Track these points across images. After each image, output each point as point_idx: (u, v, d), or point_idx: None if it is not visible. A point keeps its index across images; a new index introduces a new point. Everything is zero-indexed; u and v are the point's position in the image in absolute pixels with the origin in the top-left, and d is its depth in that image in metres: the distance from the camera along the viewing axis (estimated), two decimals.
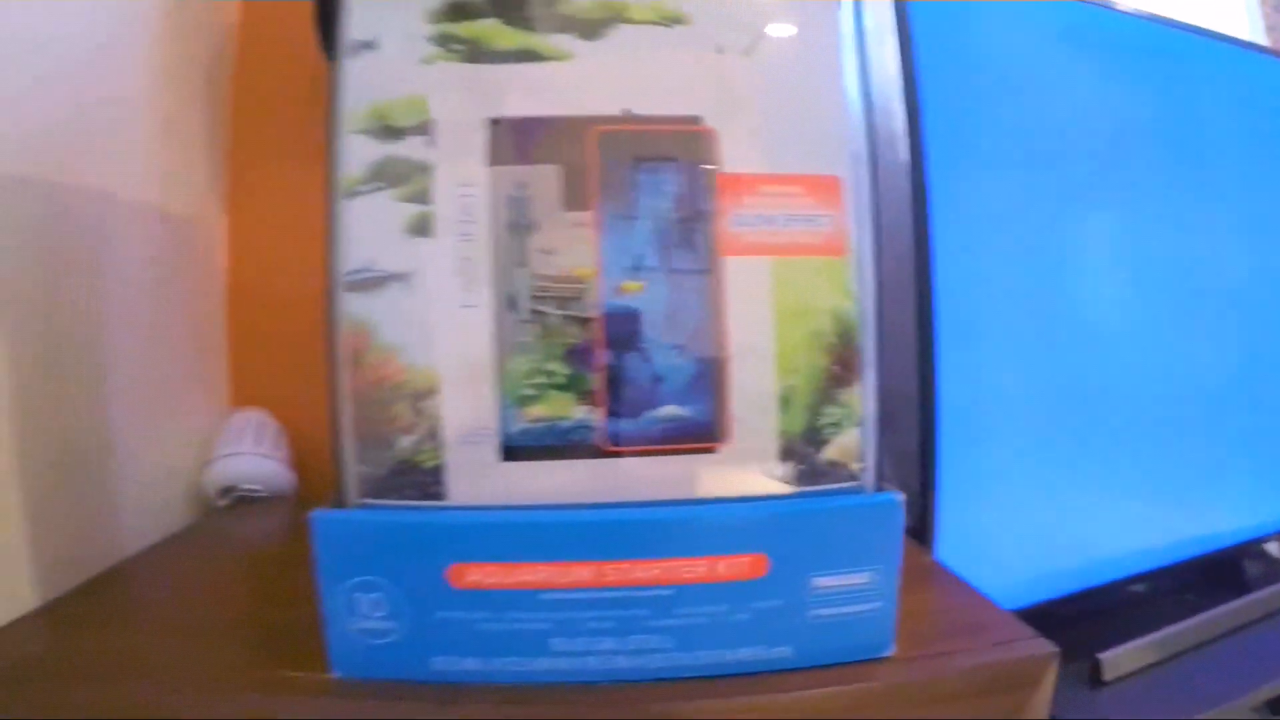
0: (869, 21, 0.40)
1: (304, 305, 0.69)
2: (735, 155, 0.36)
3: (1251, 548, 0.85)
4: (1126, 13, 0.70)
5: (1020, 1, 0.63)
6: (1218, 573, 0.83)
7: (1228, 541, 0.81)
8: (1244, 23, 0.97)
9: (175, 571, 0.52)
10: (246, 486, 0.62)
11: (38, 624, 0.43)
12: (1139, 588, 0.77)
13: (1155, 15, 0.71)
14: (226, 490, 0.62)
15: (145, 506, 0.57)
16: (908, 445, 0.60)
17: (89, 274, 0.52)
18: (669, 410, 0.36)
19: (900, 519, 0.37)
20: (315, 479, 0.67)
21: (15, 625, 0.42)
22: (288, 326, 0.67)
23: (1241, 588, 0.79)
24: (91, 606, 0.45)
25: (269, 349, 0.69)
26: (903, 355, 0.59)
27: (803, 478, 0.36)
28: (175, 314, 0.63)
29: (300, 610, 0.41)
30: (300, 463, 0.67)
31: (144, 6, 0.59)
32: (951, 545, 0.60)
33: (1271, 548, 0.91)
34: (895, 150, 0.61)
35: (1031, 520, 0.66)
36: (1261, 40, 0.97)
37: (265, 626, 0.43)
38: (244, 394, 0.69)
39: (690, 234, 0.35)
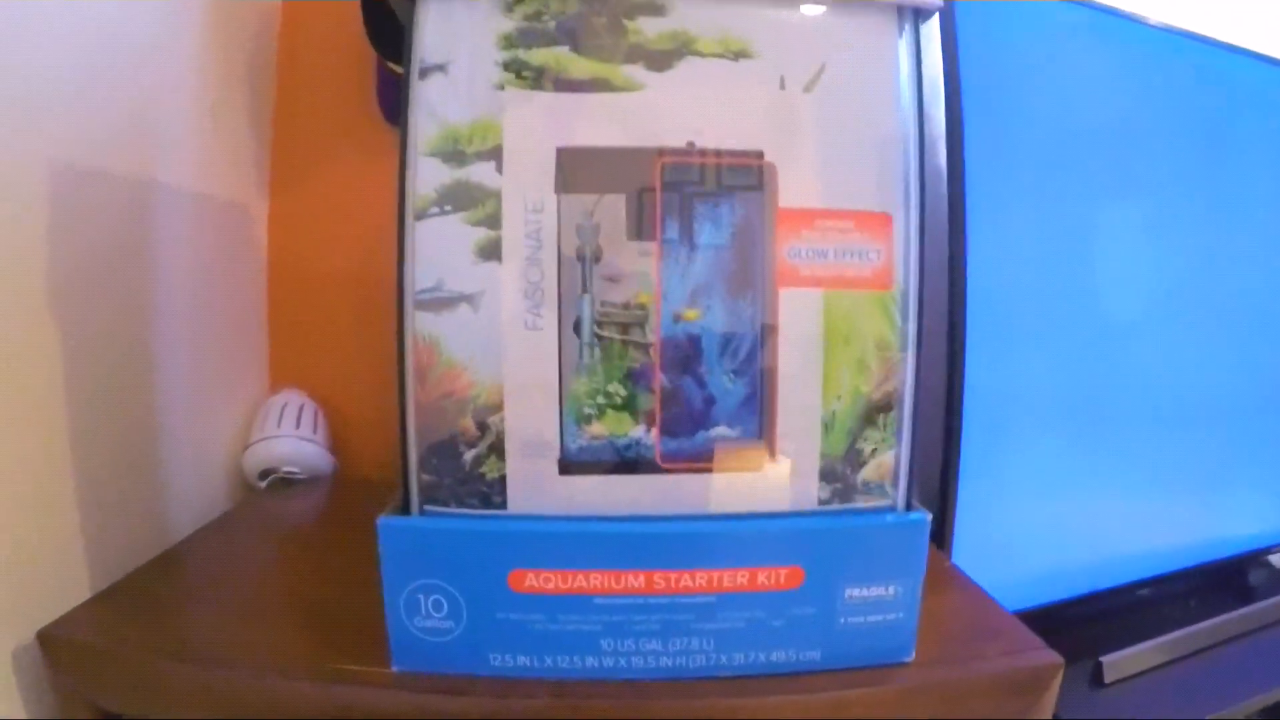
0: (928, 51, 0.42)
1: (342, 288, 0.72)
2: (793, 189, 0.38)
3: (1257, 558, 0.89)
4: (1164, 28, 0.71)
5: (1061, 14, 0.64)
6: (1222, 581, 0.87)
7: (1234, 550, 0.85)
8: None
9: (223, 556, 0.55)
10: (286, 469, 0.65)
11: (96, 610, 0.45)
12: (1145, 592, 0.81)
13: (1196, 33, 0.73)
14: (266, 473, 0.65)
15: (191, 491, 0.60)
16: (931, 445, 0.64)
17: (138, 263, 0.55)
18: (720, 430, 0.39)
19: (926, 538, 0.40)
20: (353, 460, 0.71)
21: (75, 613, 0.44)
22: (326, 309, 0.70)
23: (1245, 596, 0.83)
24: (146, 592, 0.48)
25: (307, 331, 0.72)
26: (931, 353, 0.62)
27: (839, 496, 0.40)
28: (218, 298, 0.66)
29: (350, 597, 0.45)
30: (337, 443, 0.71)
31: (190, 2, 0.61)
32: (967, 543, 0.63)
33: (1276, 559, 0.95)
34: (934, 152, 0.63)
35: (1044, 523, 0.70)
36: None
37: (318, 613, 0.46)
38: (282, 376, 0.72)
39: (748, 265, 0.38)
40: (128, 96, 0.53)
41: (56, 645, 0.42)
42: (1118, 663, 0.66)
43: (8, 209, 0.43)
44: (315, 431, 0.67)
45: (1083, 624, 0.70)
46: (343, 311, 0.69)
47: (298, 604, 0.48)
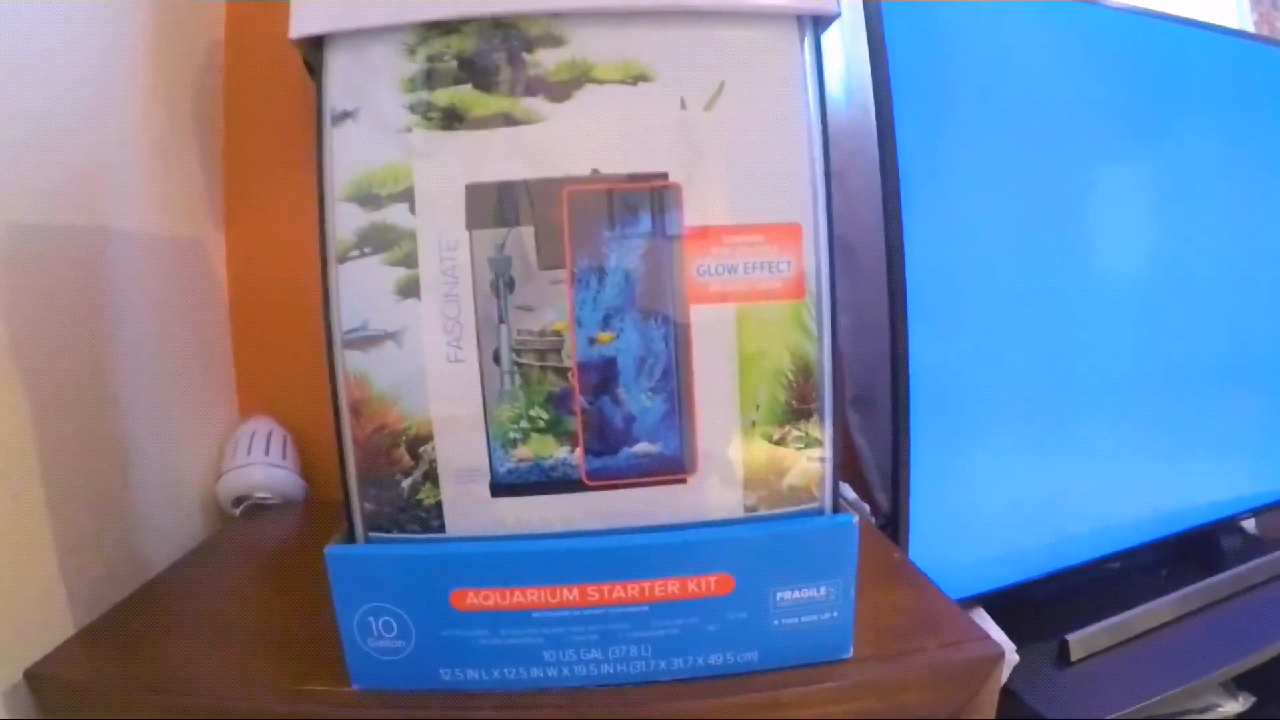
0: (842, 64, 0.44)
1: (303, 315, 0.74)
2: (699, 207, 0.40)
3: (1229, 524, 0.91)
4: (1101, 4, 0.72)
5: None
6: (1195, 550, 0.89)
7: (1204, 518, 0.87)
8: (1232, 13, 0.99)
9: (200, 586, 0.58)
10: (258, 495, 0.68)
11: (81, 647, 0.48)
12: (1114, 566, 0.83)
13: (1133, 6, 0.74)
14: (239, 500, 0.68)
15: (167, 524, 0.63)
16: (886, 428, 0.66)
17: (98, 308, 0.58)
18: (642, 447, 0.41)
19: (854, 538, 0.42)
20: (323, 483, 0.74)
21: (58, 651, 0.47)
22: (289, 336, 0.72)
23: (1217, 564, 0.85)
24: (128, 627, 0.51)
25: (272, 359, 0.75)
26: (879, 342, 0.64)
27: (765, 502, 0.42)
28: (181, 332, 0.69)
29: (320, 620, 0.48)
30: (308, 468, 0.74)
31: (132, 36, 0.63)
32: (927, 530, 0.66)
33: (1248, 523, 0.97)
34: (866, 142, 0.65)
35: (1006, 501, 0.72)
36: (1247, 15, 0.99)
37: (290, 637, 0.49)
38: (251, 403, 0.76)
39: (658, 285, 0.40)
40: (76, 147, 0.56)
41: (44, 684, 0.45)
42: (1084, 640, 0.69)
43: None
44: (285, 457, 0.70)
45: (1050, 602, 0.72)
46: (305, 337, 0.71)
47: (270, 629, 0.52)
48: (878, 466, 0.67)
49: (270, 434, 0.70)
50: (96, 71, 0.59)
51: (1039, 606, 0.70)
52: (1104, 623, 0.71)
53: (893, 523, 0.63)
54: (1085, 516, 0.78)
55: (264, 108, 0.74)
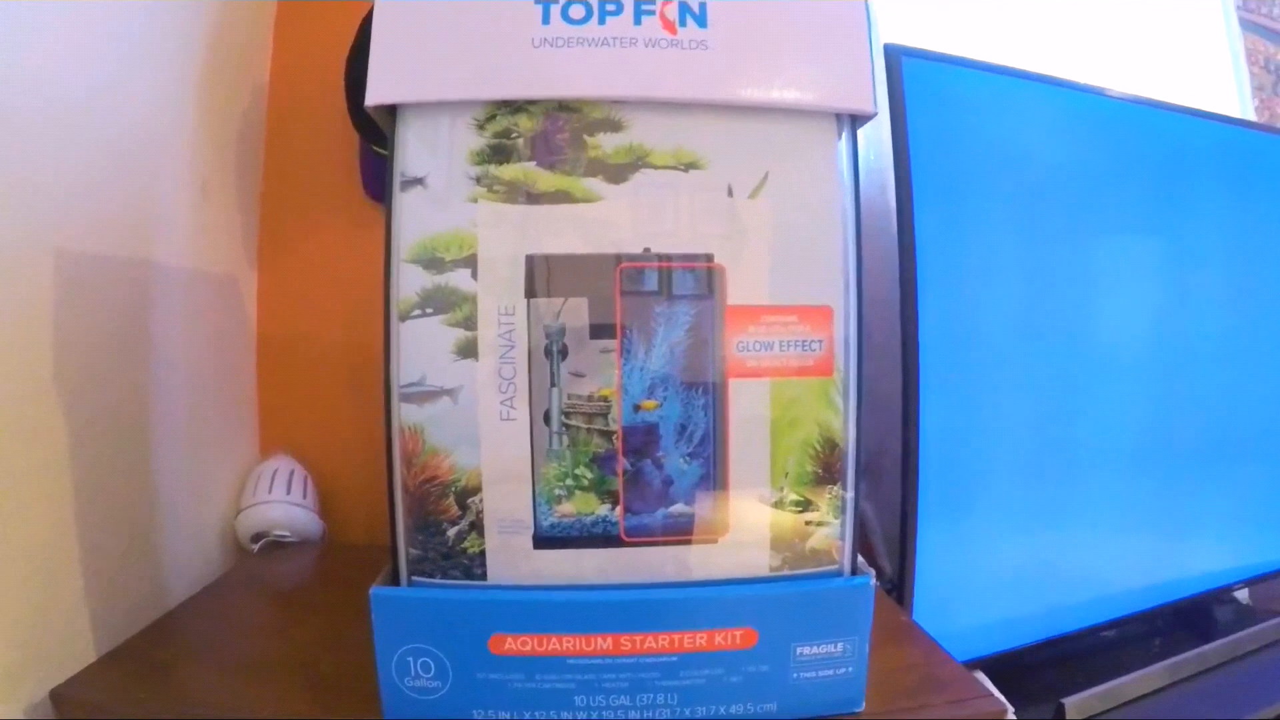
0: (862, 147, 0.49)
1: (328, 356, 0.79)
2: (741, 288, 0.45)
3: (1222, 594, 0.96)
4: (1110, 94, 0.79)
5: (1007, 87, 0.72)
6: (1188, 619, 0.94)
7: (1199, 588, 0.92)
8: (1230, 84, 1.07)
9: (220, 619, 0.61)
10: (277, 533, 0.72)
11: (104, 672, 0.52)
12: (1110, 633, 0.87)
13: (1140, 96, 0.81)
14: (258, 536, 0.72)
15: (187, 556, 0.67)
16: (894, 493, 0.71)
17: (136, 340, 0.62)
18: (678, 508, 0.45)
19: (871, 598, 0.47)
20: (341, 523, 0.77)
21: (84, 674, 0.51)
22: (313, 377, 0.76)
23: (1211, 633, 0.90)
24: (148, 656, 0.54)
25: (296, 399, 0.79)
26: (887, 413, 0.69)
27: (789, 563, 0.47)
28: (210, 369, 0.73)
29: (343, 656, 0.52)
30: (326, 508, 0.77)
31: (183, 81, 0.68)
32: (930, 591, 0.70)
33: (1241, 594, 1.02)
34: (887, 217, 0.70)
35: (1007, 568, 0.76)
36: (1248, 98, 1.07)
37: (314, 672, 0.52)
38: (272, 442, 0.79)
39: (700, 358, 0.45)
40: (126, 183, 0.60)
41: (67, 704, 0.48)
42: (1079, 703, 0.72)
43: (17, 295, 0.50)
44: (305, 496, 0.74)
45: (1047, 667, 0.76)
46: (329, 379, 0.76)
47: (292, 663, 0.54)
48: (883, 532, 0.72)
49: (291, 473, 0.74)
50: (149, 114, 0.63)
51: (1036, 671, 0.74)
52: (1099, 688, 0.75)
53: (897, 587, 0.68)
54: (1082, 585, 0.82)
55: (303, 154, 0.79)
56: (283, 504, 0.71)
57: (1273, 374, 0.95)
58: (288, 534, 0.72)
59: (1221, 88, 1.07)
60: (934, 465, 0.68)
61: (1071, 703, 0.72)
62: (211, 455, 0.72)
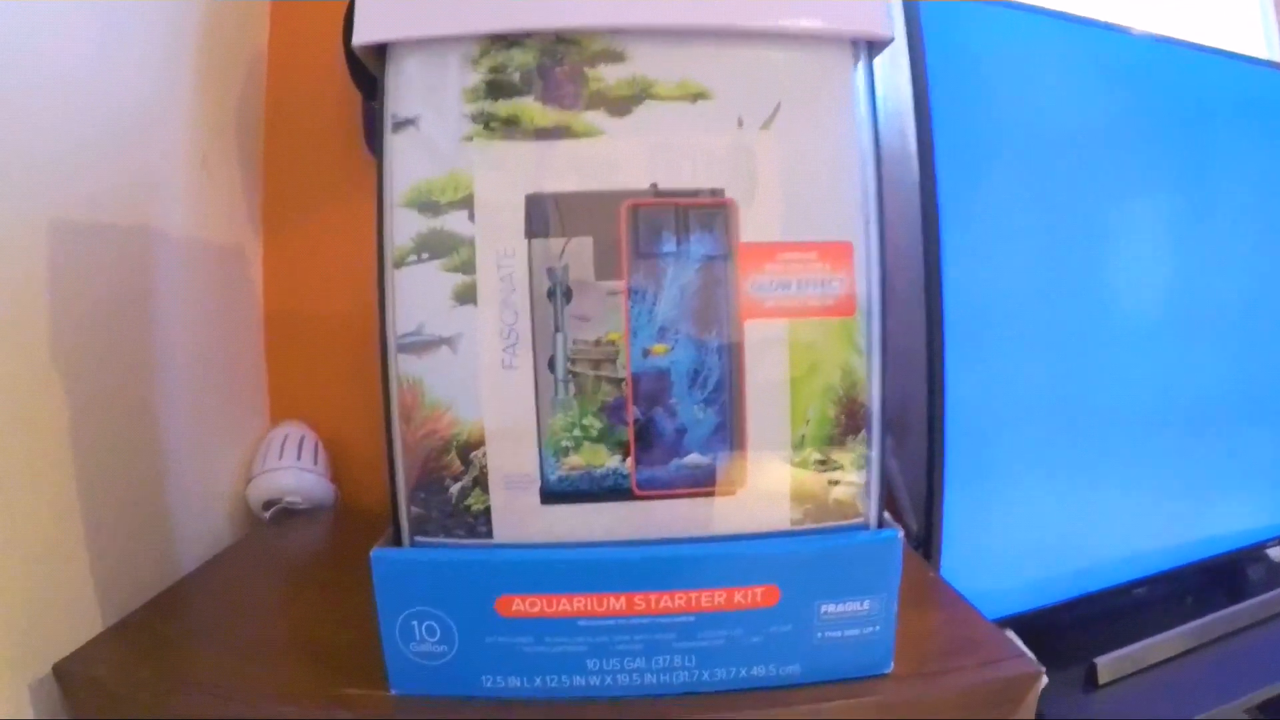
0: (880, 69, 0.45)
1: (336, 323, 0.76)
2: (755, 224, 0.41)
3: (1253, 552, 0.91)
4: (1135, 34, 0.74)
5: (1029, 24, 0.67)
6: (1219, 577, 0.89)
7: (1229, 546, 0.87)
8: (1257, 28, 1.01)
9: (230, 588, 0.59)
10: (288, 499, 0.69)
11: (108, 645, 0.49)
12: (1140, 592, 0.83)
13: (1163, 36, 0.75)
14: (269, 504, 0.69)
15: (197, 526, 0.64)
16: (920, 450, 0.67)
17: (139, 312, 0.59)
18: (692, 458, 0.42)
19: (899, 553, 0.43)
20: (353, 490, 0.75)
21: (88, 647, 0.48)
22: (322, 344, 0.74)
23: (1242, 592, 0.85)
24: (156, 626, 0.52)
25: (305, 367, 0.76)
26: (912, 367, 0.65)
27: (812, 516, 0.43)
28: (217, 337, 0.70)
29: (353, 626, 0.48)
30: (338, 474, 0.75)
31: (180, 47, 0.64)
32: (959, 551, 0.66)
33: (1273, 552, 0.97)
34: (908, 168, 0.66)
35: (1036, 525, 0.73)
36: (1276, 42, 1.01)
37: (322, 642, 0.49)
38: (282, 409, 0.76)
39: (713, 299, 0.41)
40: (124, 154, 0.57)
41: (72, 679, 0.46)
42: (1111, 664, 0.69)
43: (14, 268, 0.47)
44: (316, 462, 0.71)
45: (1077, 626, 0.72)
46: (337, 344, 0.73)
47: (302, 633, 0.52)
48: (909, 489, 0.68)
49: (302, 439, 0.71)
50: (147, 82, 0.60)
51: (1065, 631, 0.70)
52: (1131, 647, 0.71)
53: (924, 545, 0.64)
54: (1112, 543, 0.78)
55: (304, 120, 0.76)
56: (294, 470, 0.69)
57: None
58: (299, 500, 0.69)
59: (1249, 33, 1.01)
60: (960, 421, 0.64)
61: (1104, 663, 0.68)
62: (220, 425, 0.70)
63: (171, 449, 0.61)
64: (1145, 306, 0.79)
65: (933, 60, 0.61)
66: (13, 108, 0.47)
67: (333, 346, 0.73)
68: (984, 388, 0.66)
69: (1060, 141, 0.70)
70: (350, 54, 0.67)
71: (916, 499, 0.64)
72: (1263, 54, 1.01)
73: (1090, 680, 0.69)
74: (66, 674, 0.46)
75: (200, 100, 0.67)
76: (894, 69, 0.64)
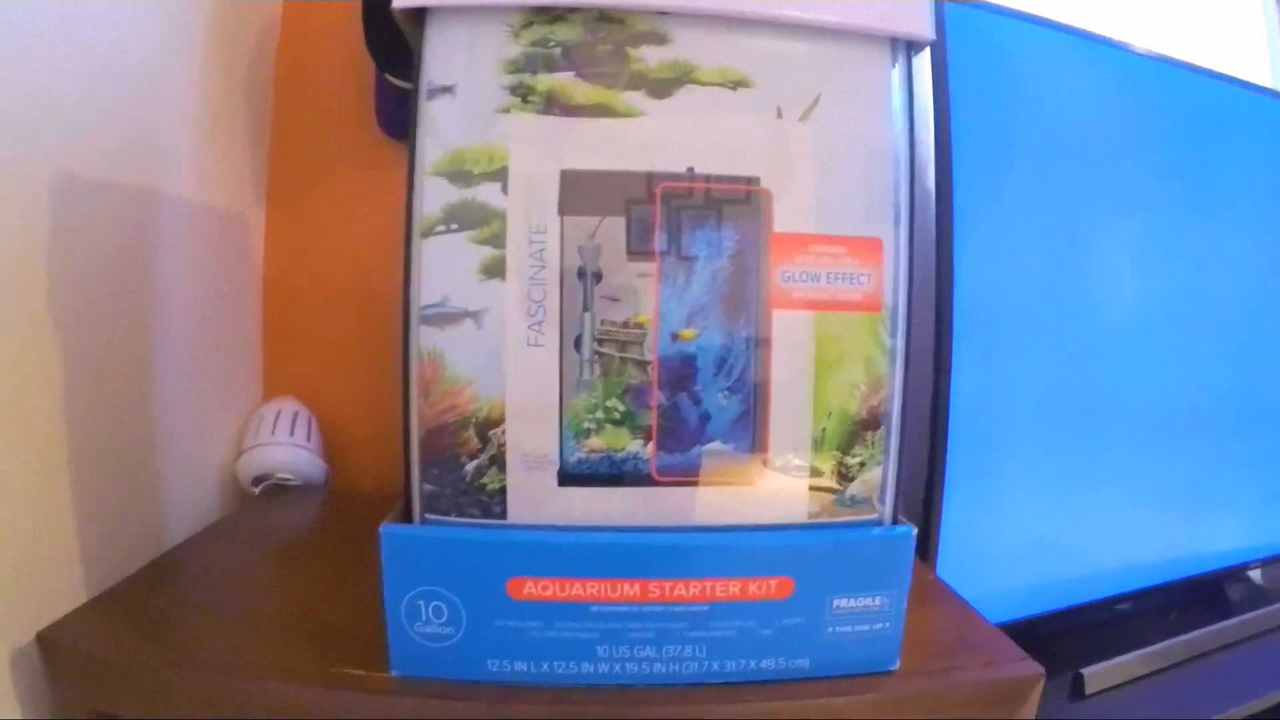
0: (919, 79, 0.45)
1: (336, 298, 0.74)
2: (787, 215, 0.41)
3: (1236, 573, 0.93)
4: (1147, 55, 0.76)
5: (1049, 40, 0.68)
6: (1203, 595, 0.90)
7: (1214, 566, 0.88)
8: (1263, 55, 1.04)
9: (217, 562, 0.57)
10: (279, 476, 0.67)
11: (91, 616, 0.47)
12: (1126, 606, 0.84)
13: (1173, 57, 0.77)
14: (260, 479, 0.67)
15: (186, 498, 0.62)
16: (918, 460, 0.67)
17: (137, 273, 0.57)
18: (714, 446, 0.41)
19: (912, 550, 0.43)
20: (346, 469, 0.73)
21: (73, 616, 0.46)
22: (320, 319, 0.72)
23: (1224, 611, 0.87)
24: (143, 597, 0.50)
25: (301, 341, 0.74)
26: (917, 368, 0.65)
27: (828, 511, 0.42)
28: (214, 307, 0.68)
29: (346, 605, 0.47)
30: (331, 453, 0.73)
31: (191, 11, 0.63)
32: (952, 556, 0.66)
33: (1254, 574, 0.99)
34: (922, 172, 0.66)
35: (1028, 536, 0.73)
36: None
37: (315, 620, 0.48)
38: (276, 385, 0.74)
39: (742, 287, 0.41)
40: (129, 110, 0.55)
41: (55, 648, 0.44)
42: (1098, 674, 0.70)
43: (11, 221, 0.45)
44: (309, 439, 0.69)
45: (1065, 636, 0.73)
46: (337, 321, 0.71)
47: (293, 610, 0.50)
48: (905, 492, 0.68)
49: (295, 415, 0.69)
50: (155, 39, 0.58)
51: (1052, 641, 0.71)
52: (1118, 659, 0.72)
53: (921, 549, 0.64)
54: (1101, 556, 0.79)
55: (316, 91, 0.74)
56: (286, 446, 0.67)
57: None
58: (290, 477, 0.67)
59: (1256, 61, 1.03)
60: (959, 427, 0.64)
61: (1090, 673, 0.69)
62: (213, 395, 0.68)
63: (163, 417, 0.59)
64: (1146, 321, 0.80)
65: (955, 66, 0.61)
66: (17, 52, 0.45)
67: (332, 323, 0.71)
68: (985, 395, 0.66)
69: (1071, 152, 0.71)
70: (369, 22, 0.66)
71: (913, 502, 0.64)
72: (1264, 73, 1.03)
73: (1077, 690, 0.69)
74: (50, 643, 0.44)
75: (209, 58, 0.65)
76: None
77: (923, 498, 0.63)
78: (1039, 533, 0.73)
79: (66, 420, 0.49)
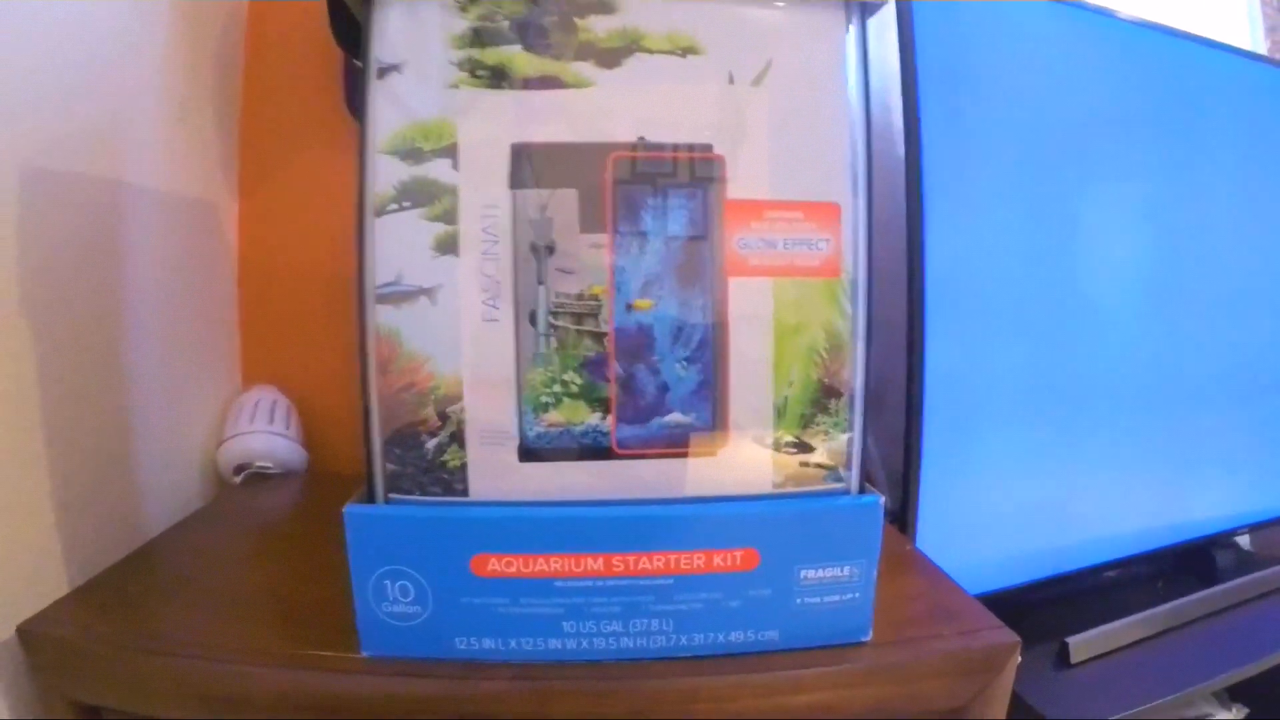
0: (877, 42, 0.44)
1: (313, 284, 0.74)
2: (742, 181, 0.40)
3: (1224, 539, 0.92)
4: (1121, 17, 0.74)
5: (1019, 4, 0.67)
6: (1190, 562, 0.90)
7: (1201, 532, 0.88)
8: (1244, 22, 1.02)
9: (198, 550, 0.57)
10: (259, 464, 0.67)
11: (75, 605, 0.47)
12: (1112, 574, 0.84)
13: (1147, 20, 0.76)
14: (240, 468, 0.67)
15: (165, 487, 0.62)
16: (895, 426, 0.66)
17: (108, 262, 0.56)
18: (674, 417, 0.41)
19: (880, 519, 0.42)
20: (325, 454, 0.73)
21: (54, 608, 0.46)
22: (297, 306, 0.71)
23: (1213, 577, 0.86)
24: (122, 588, 0.50)
25: (279, 328, 0.74)
26: (891, 340, 0.65)
27: (793, 480, 0.42)
28: (189, 296, 0.67)
29: (322, 588, 0.47)
30: (310, 438, 0.73)
31: None
32: (935, 527, 0.66)
33: (1242, 540, 0.98)
34: (892, 142, 0.65)
35: (1010, 504, 0.73)
36: (1260, 39, 1.02)
37: (291, 604, 0.48)
38: (254, 373, 0.74)
39: (698, 255, 0.40)
40: (95, 97, 0.55)
41: (36, 640, 0.44)
42: (1084, 643, 0.69)
43: None
44: (288, 427, 0.69)
45: (1051, 606, 0.72)
46: (314, 307, 0.71)
47: (271, 596, 0.50)
48: (884, 464, 0.67)
49: (274, 403, 0.69)
50: (120, 23, 0.57)
51: (1037, 610, 0.70)
52: (1104, 627, 0.71)
53: (899, 520, 0.64)
54: (1085, 524, 0.78)
55: (285, 75, 0.73)
56: (265, 434, 0.67)
57: None
58: (270, 465, 0.67)
59: (1235, 26, 1.02)
60: (938, 399, 0.64)
61: (1076, 642, 0.68)
62: (191, 385, 0.68)
63: (141, 407, 0.59)
64: (1126, 290, 0.79)
65: (921, 33, 0.60)
66: None
67: (307, 309, 0.71)
68: (962, 365, 0.66)
69: (1045, 120, 0.70)
70: (333, 5, 0.66)
71: (893, 474, 0.63)
72: (1245, 41, 1.01)
73: (1062, 659, 0.69)
74: (30, 635, 0.44)
75: (176, 44, 0.64)
76: (880, 42, 0.63)
77: (900, 470, 0.62)
78: (1025, 502, 0.73)
79: (40, 411, 0.48)
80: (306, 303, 0.71)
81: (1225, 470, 0.89)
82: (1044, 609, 0.71)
